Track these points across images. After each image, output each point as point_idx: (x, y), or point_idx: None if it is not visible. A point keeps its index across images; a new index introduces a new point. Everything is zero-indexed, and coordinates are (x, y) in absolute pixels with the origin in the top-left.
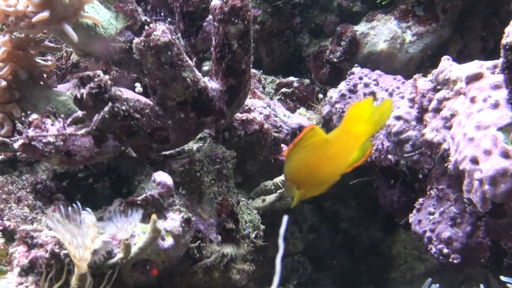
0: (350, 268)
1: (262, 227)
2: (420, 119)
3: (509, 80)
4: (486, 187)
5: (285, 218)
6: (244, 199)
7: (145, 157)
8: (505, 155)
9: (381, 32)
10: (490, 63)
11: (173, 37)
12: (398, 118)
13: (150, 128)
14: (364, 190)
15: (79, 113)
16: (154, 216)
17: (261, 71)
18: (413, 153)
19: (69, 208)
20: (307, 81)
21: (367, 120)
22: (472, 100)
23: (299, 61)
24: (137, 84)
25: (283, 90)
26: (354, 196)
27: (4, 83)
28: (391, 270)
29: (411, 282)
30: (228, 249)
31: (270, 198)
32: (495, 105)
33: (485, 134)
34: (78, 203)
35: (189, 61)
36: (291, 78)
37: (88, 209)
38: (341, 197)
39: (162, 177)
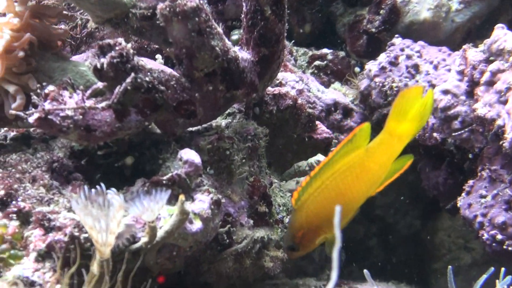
0: (386, 259)
1: None
2: (470, 94)
3: None
4: None
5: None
6: (276, 181)
7: (170, 133)
8: None
9: None
10: None
11: (201, 1)
12: (446, 92)
13: (176, 101)
14: (403, 175)
15: (99, 84)
16: (182, 197)
17: (292, 42)
18: (462, 131)
19: (92, 189)
20: (342, 53)
21: (413, 117)
22: None
23: (333, 32)
24: (158, 56)
25: (316, 63)
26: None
27: (22, 53)
28: (433, 260)
29: (456, 274)
30: (261, 234)
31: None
32: None
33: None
34: (102, 184)
35: (218, 28)
36: (325, 50)
37: (113, 189)
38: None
39: (189, 155)
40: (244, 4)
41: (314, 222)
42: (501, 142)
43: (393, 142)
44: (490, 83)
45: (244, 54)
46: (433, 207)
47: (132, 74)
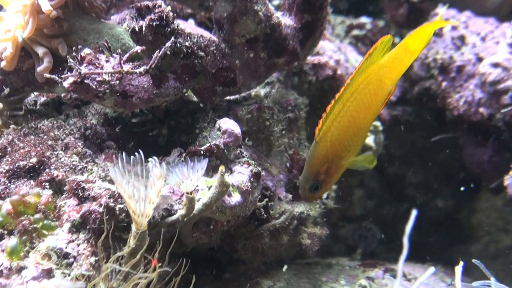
0: (417, 240)
1: (334, 187)
2: None
3: None
4: None
5: (414, 213)
6: None
7: (208, 101)
8: None
9: None
10: None
11: None
12: (496, 65)
13: (215, 68)
14: (432, 152)
15: (137, 48)
16: (222, 168)
17: (330, 10)
18: None
19: (131, 157)
20: (381, 23)
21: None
22: None
23: (372, 0)
24: (191, 21)
25: (355, 32)
26: (421, 159)
27: (54, 12)
28: (471, 242)
29: (495, 257)
30: (300, 209)
31: None
32: None
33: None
34: (141, 152)
35: None
36: (363, 20)
37: (155, 157)
38: (406, 161)
39: (228, 124)
40: None
41: (339, 150)
42: None
43: (407, 57)
44: None
45: (286, 20)
46: (470, 187)
47: (172, 39)
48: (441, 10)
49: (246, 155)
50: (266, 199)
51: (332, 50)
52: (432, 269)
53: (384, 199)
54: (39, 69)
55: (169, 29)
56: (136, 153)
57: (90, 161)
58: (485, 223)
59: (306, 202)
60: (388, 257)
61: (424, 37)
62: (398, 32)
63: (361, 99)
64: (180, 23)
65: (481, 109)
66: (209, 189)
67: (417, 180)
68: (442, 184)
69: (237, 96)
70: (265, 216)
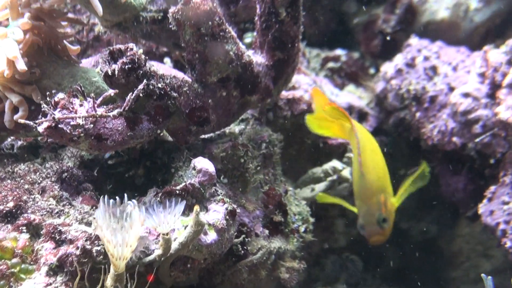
0: (401, 266)
1: (312, 220)
2: (491, 97)
3: None
4: None
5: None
6: (291, 189)
7: (183, 141)
8: None
9: None
10: None
11: (215, 4)
12: (466, 95)
13: (189, 108)
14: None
15: (110, 91)
16: (197, 208)
17: (304, 43)
18: (484, 135)
19: (111, 201)
20: (356, 54)
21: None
22: None
23: (346, 32)
24: (167, 60)
25: (330, 65)
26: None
27: (24, 68)
28: (452, 268)
29: (475, 282)
30: (277, 245)
31: (319, 187)
32: None
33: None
34: (125, 196)
35: (232, 32)
36: (338, 52)
37: (134, 201)
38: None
39: (203, 163)
40: (258, 6)
41: (385, 184)
42: None
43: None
44: None
45: (258, 58)
46: (449, 214)
47: (144, 81)
48: (414, 41)
49: (221, 193)
50: (243, 235)
51: (308, 83)
52: None
53: None
54: (15, 117)
55: (141, 72)
56: (116, 197)
57: (67, 204)
58: (465, 249)
59: (377, 242)
60: (373, 283)
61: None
62: (373, 62)
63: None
64: (153, 65)
65: (454, 139)
66: (185, 228)
67: (399, 207)
68: (425, 210)
69: (212, 134)
70: (242, 252)
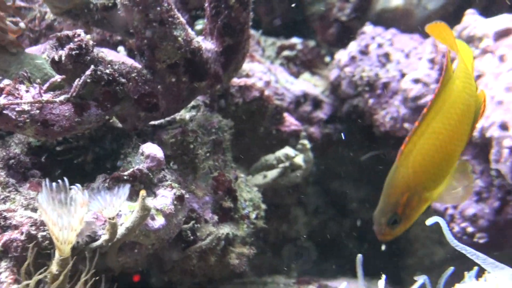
0: (362, 255)
1: (263, 206)
2: None
3: None
4: None
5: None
6: (243, 175)
7: (132, 127)
8: None
9: None
10: None
11: None
12: (416, 81)
13: (138, 94)
14: (375, 167)
15: (57, 77)
16: (143, 192)
17: (260, 32)
18: None
19: (54, 184)
20: (312, 43)
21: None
22: (501, 58)
23: (303, 21)
24: (121, 48)
25: (285, 53)
26: (364, 174)
27: None
28: (407, 256)
29: (430, 269)
30: (226, 230)
31: (272, 174)
32: None
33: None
34: (66, 180)
35: (181, 18)
36: (294, 40)
37: (78, 185)
38: (350, 177)
39: (151, 149)
40: None
41: (423, 178)
42: None
43: (469, 73)
44: None
45: (208, 44)
46: None
47: (92, 67)
48: (368, 29)
49: (169, 179)
50: (193, 221)
51: (262, 71)
52: (344, 284)
53: (328, 215)
54: None
55: (89, 58)
56: (59, 181)
57: (13, 190)
58: (420, 236)
59: (383, 240)
60: (334, 273)
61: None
62: (329, 51)
63: (447, 120)
64: (102, 51)
65: (406, 125)
66: (132, 213)
67: (360, 195)
68: None
69: (162, 120)
70: (192, 238)
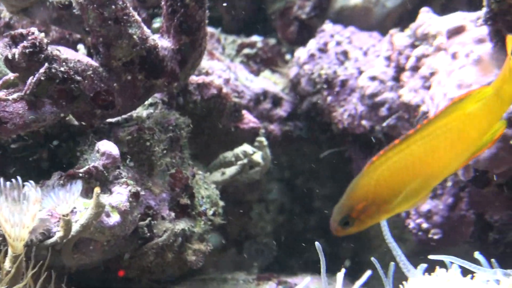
0: (326, 252)
1: (222, 203)
2: (397, 79)
3: (493, 32)
4: None
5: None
6: (201, 172)
7: (88, 124)
8: None
9: None
10: (474, 14)
11: None
12: (373, 78)
13: (93, 91)
14: (340, 164)
15: (11, 75)
16: (97, 189)
17: (220, 29)
18: (390, 118)
19: (8, 182)
20: (272, 41)
21: None
22: (454, 56)
23: (265, 19)
24: (80, 46)
25: (246, 51)
26: (329, 171)
27: None
28: (368, 252)
29: (390, 265)
30: (181, 227)
31: (230, 171)
32: (478, 61)
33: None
34: (19, 178)
35: (136, 16)
36: (254, 38)
37: (31, 181)
38: (315, 174)
39: (106, 146)
40: None
41: (384, 193)
42: None
43: (497, 105)
44: (415, 68)
45: (164, 42)
46: None
47: (46, 65)
48: (327, 27)
49: (125, 176)
50: (149, 218)
51: (221, 69)
52: (308, 278)
53: (294, 212)
54: None
55: (43, 55)
56: (12, 179)
57: None
58: (381, 233)
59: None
60: (297, 270)
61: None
62: (290, 48)
63: (431, 147)
64: (57, 49)
65: (363, 122)
66: (87, 210)
67: (325, 192)
68: None
69: (118, 118)
70: (148, 234)
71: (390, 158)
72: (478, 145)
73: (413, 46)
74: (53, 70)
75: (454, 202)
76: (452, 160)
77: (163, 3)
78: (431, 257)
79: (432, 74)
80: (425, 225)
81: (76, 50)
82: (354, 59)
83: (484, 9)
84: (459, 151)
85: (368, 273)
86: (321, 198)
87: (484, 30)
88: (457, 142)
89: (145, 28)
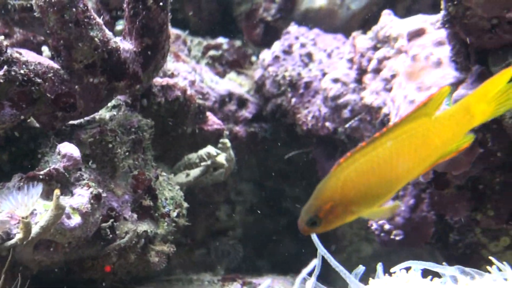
0: (295, 253)
1: (186, 205)
2: (359, 81)
3: (451, 35)
4: None
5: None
6: (165, 174)
7: (49, 127)
8: None
9: None
10: (434, 17)
11: None
12: (336, 80)
13: (54, 94)
14: (308, 165)
15: None
16: (57, 191)
17: (187, 32)
18: (352, 120)
19: None
20: (238, 42)
21: (493, 99)
22: (414, 58)
23: (231, 21)
24: (45, 48)
25: (211, 53)
26: (299, 172)
27: None
28: (336, 253)
29: (357, 266)
30: (145, 228)
31: (194, 172)
32: (438, 64)
33: (426, 96)
34: None
35: (98, 19)
36: (220, 40)
37: None
38: (284, 175)
39: (67, 148)
40: None
41: (350, 194)
42: None
43: (465, 119)
44: (377, 71)
45: (126, 45)
46: None
47: (5, 67)
48: (292, 29)
49: (87, 178)
50: (112, 220)
51: (187, 71)
52: (268, 280)
53: (263, 213)
54: None
55: (2, 58)
56: None
57: None
58: (348, 233)
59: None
60: (267, 271)
61: (488, 97)
62: (256, 50)
63: (396, 150)
64: (18, 52)
65: (327, 123)
66: (47, 212)
67: (295, 193)
68: None
69: (81, 120)
70: (111, 236)
71: (357, 160)
72: (441, 153)
73: (375, 48)
74: (13, 73)
75: (415, 204)
76: (416, 164)
77: (125, 5)
78: (393, 269)
79: (393, 76)
80: (387, 226)
81: (41, 52)
82: (318, 61)
83: (442, 12)
84: (422, 156)
85: (314, 262)
86: (291, 198)
87: (444, 33)
88: (421, 147)
89: (106, 30)
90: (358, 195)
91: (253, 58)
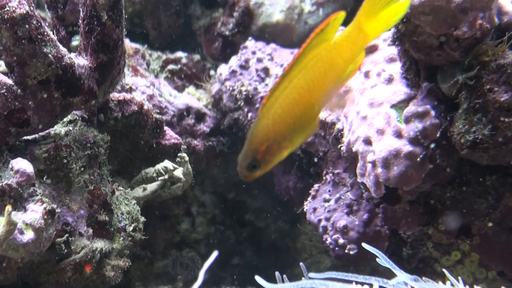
0: (257, 264)
1: (142, 219)
2: None
3: (401, 52)
4: (379, 170)
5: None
6: (121, 188)
7: (3, 142)
8: (398, 134)
9: (277, 1)
10: (386, 34)
11: (32, 8)
12: None
13: (7, 110)
14: (269, 178)
15: None
16: (8, 207)
17: (146, 46)
18: None
19: None
20: (197, 56)
21: (383, 17)
22: (366, 74)
23: (191, 35)
24: (1, 62)
25: (170, 67)
26: (260, 184)
27: None
28: (296, 265)
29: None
30: (100, 244)
31: (151, 186)
32: (389, 80)
33: (378, 112)
34: None
35: (52, 35)
36: (179, 54)
37: None
38: (246, 186)
39: (20, 164)
40: (81, 9)
41: (282, 130)
42: (339, 146)
43: (359, 38)
44: None
45: (81, 61)
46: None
47: None
48: (250, 43)
49: (40, 193)
50: (67, 235)
51: (145, 85)
52: None
53: (225, 224)
54: None
55: None
56: None
57: None
58: (308, 246)
59: (244, 180)
60: (228, 283)
61: (376, 14)
62: (214, 65)
63: (309, 77)
64: None
65: None
66: None
67: (256, 205)
68: (282, 208)
69: (36, 136)
70: (66, 251)
71: (279, 96)
72: (346, 72)
73: None
74: None
75: (369, 218)
76: (329, 85)
77: (80, 21)
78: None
79: (346, 92)
80: (341, 241)
81: None
82: (274, 75)
83: (392, 29)
84: (332, 78)
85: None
86: (252, 210)
87: (395, 49)
88: (329, 70)
89: (60, 46)
90: (289, 128)
91: (212, 72)
